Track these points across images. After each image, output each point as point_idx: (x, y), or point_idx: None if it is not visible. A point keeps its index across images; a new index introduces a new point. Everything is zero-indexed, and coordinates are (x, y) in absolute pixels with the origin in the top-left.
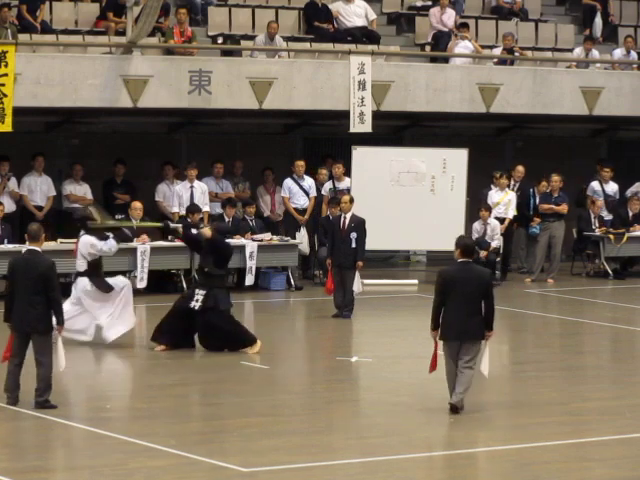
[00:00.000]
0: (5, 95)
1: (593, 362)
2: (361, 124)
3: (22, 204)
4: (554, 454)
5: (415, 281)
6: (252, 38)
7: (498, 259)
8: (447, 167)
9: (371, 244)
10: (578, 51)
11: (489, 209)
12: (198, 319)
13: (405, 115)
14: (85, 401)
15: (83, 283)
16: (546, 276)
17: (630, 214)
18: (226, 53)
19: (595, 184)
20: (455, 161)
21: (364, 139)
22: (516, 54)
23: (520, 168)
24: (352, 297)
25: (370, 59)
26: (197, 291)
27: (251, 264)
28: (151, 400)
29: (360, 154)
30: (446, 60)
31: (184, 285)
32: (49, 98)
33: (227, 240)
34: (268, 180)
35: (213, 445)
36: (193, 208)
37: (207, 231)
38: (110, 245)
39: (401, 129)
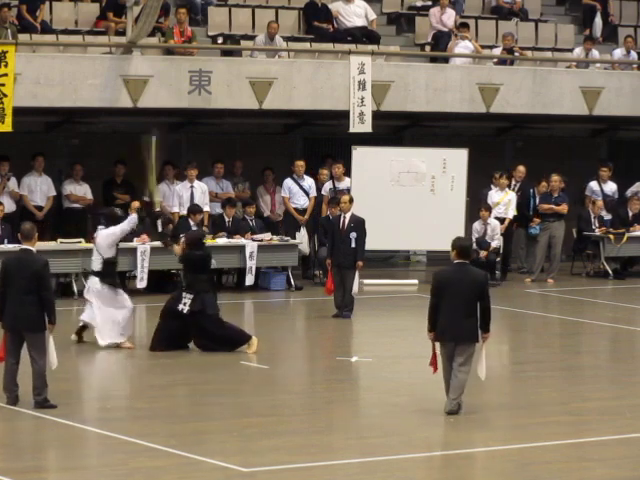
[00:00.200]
0: (5, 95)
1: (593, 362)
2: (361, 124)
3: (22, 204)
4: (554, 454)
5: (415, 281)
6: (252, 38)
7: (498, 259)
8: (447, 167)
9: (371, 244)
10: (578, 51)
11: (489, 209)
12: (188, 321)
13: (405, 115)
14: (85, 401)
15: (94, 282)
16: (546, 276)
17: (630, 214)
18: (226, 53)
19: (593, 184)
20: (455, 161)
21: (364, 139)
22: (516, 54)
23: (521, 168)
24: (352, 297)
25: (370, 59)
26: (184, 294)
27: (251, 264)
28: (151, 400)
29: (360, 154)
30: (446, 60)
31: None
32: (49, 98)
33: (203, 244)
34: (268, 180)
35: (213, 445)
36: (194, 208)
37: (177, 249)
38: (130, 220)
39: (401, 129)
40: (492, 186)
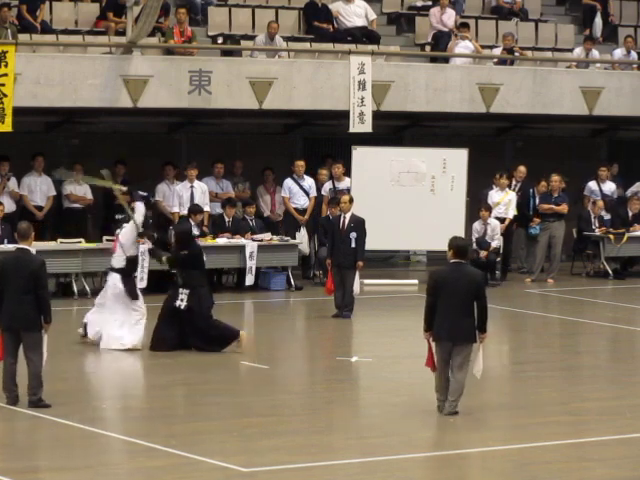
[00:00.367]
0: (5, 95)
1: (593, 362)
2: (361, 124)
3: (22, 204)
4: (554, 454)
5: (415, 281)
6: (252, 38)
7: (498, 259)
8: (447, 167)
9: (371, 244)
10: (578, 51)
11: (489, 209)
12: (185, 317)
13: (405, 115)
14: (84, 401)
15: (114, 280)
16: (546, 276)
17: (630, 214)
18: (226, 53)
19: (592, 184)
20: (455, 161)
21: (364, 139)
22: (516, 54)
23: (522, 168)
24: (352, 297)
25: (370, 59)
26: (181, 290)
27: (251, 264)
28: (151, 400)
29: (360, 154)
30: (446, 60)
31: None
32: (49, 98)
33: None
34: (268, 180)
35: (213, 445)
36: (195, 209)
37: (167, 259)
38: (138, 211)
39: (401, 129)
40: (494, 186)
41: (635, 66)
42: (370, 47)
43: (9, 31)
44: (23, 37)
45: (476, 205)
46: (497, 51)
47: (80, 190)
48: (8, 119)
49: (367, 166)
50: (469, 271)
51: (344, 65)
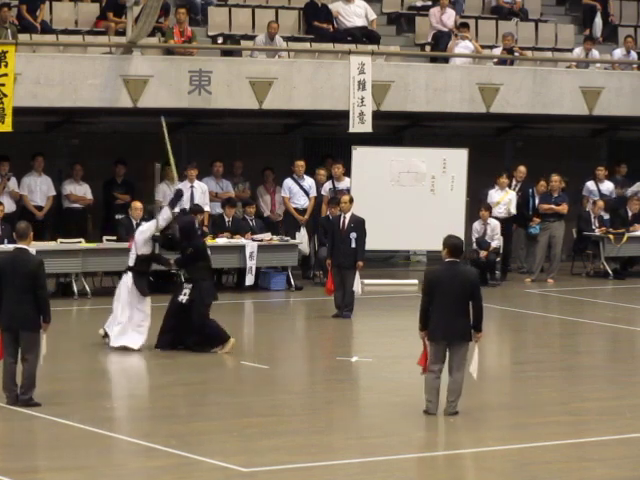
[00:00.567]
0: (5, 95)
1: (593, 362)
2: (361, 124)
3: (22, 204)
4: (554, 454)
5: (415, 281)
6: (252, 38)
7: (498, 259)
8: (447, 167)
9: (371, 244)
10: (578, 51)
11: (489, 209)
12: (186, 312)
13: (405, 115)
14: (85, 401)
15: (127, 278)
16: (546, 276)
17: (630, 214)
18: (226, 53)
19: (590, 184)
20: (455, 161)
21: (364, 139)
22: (516, 54)
23: (522, 168)
24: (352, 297)
25: (370, 59)
26: (185, 285)
27: (251, 264)
28: (151, 400)
29: (360, 154)
30: (446, 60)
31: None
32: (49, 98)
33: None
34: (268, 180)
35: (213, 445)
36: (196, 208)
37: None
38: (163, 215)
39: (401, 129)
40: (496, 186)
41: (635, 66)
42: (370, 47)
43: (9, 31)
44: (23, 37)
45: (476, 205)
46: (497, 51)
47: (80, 190)
48: (8, 119)
49: (367, 166)
50: (464, 270)
51: (344, 65)
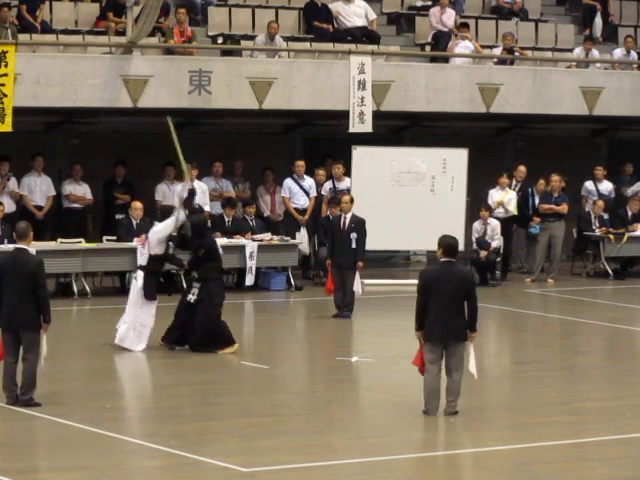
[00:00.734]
0: (5, 95)
1: (593, 362)
2: (361, 124)
3: (22, 204)
4: (554, 454)
5: (415, 281)
6: (252, 38)
7: (498, 259)
8: (447, 167)
9: (371, 244)
10: (578, 51)
11: (489, 209)
12: (194, 311)
13: (405, 115)
14: (85, 401)
15: (139, 276)
16: (546, 276)
17: (629, 213)
18: (226, 53)
19: (589, 184)
20: (455, 161)
21: (364, 139)
22: (516, 54)
23: (522, 168)
24: (352, 297)
25: (370, 59)
26: (194, 284)
27: (251, 264)
28: (151, 400)
29: (360, 154)
30: (446, 60)
31: (184, 285)
32: (49, 98)
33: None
34: (268, 180)
35: (213, 445)
36: (197, 209)
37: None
38: (177, 216)
39: (401, 129)
40: (496, 185)
41: (635, 66)
42: (370, 47)
43: (9, 31)
44: (23, 37)
45: (476, 205)
46: (497, 51)
47: (80, 190)
48: (8, 119)
49: (367, 166)
50: (459, 270)
51: (344, 65)
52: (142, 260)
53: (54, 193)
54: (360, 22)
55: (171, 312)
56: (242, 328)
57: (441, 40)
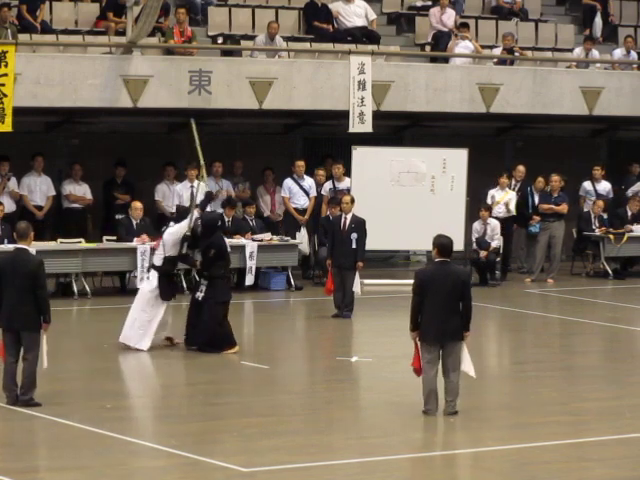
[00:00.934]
0: (5, 95)
1: (593, 362)
2: (361, 124)
3: (22, 204)
4: (553, 454)
5: None
6: (252, 38)
7: (498, 259)
8: (447, 167)
9: (371, 244)
10: (578, 51)
11: (489, 209)
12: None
13: (405, 115)
14: (85, 401)
15: (151, 276)
16: (546, 276)
17: (629, 213)
18: (226, 53)
19: (587, 184)
20: (455, 161)
21: (364, 139)
22: (516, 54)
23: (521, 168)
24: (352, 297)
25: (370, 59)
26: (202, 281)
27: (251, 264)
28: (151, 400)
29: (360, 154)
30: (446, 60)
31: (184, 285)
32: (49, 98)
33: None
34: (268, 180)
35: (213, 445)
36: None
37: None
38: (191, 218)
39: (401, 129)
40: (496, 185)
41: (635, 66)
42: (370, 47)
43: (9, 31)
44: (23, 37)
45: (476, 205)
46: (497, 51)
47: (79, 190)
48: (8, 119)
49: (367, 166)
50: (454, 270)
51: (344, 65)
52: (157, 260)
53: (54, 193)
54: (360, 22)
55: (175, 310)
56: (242, 328)
57: (441, 40)
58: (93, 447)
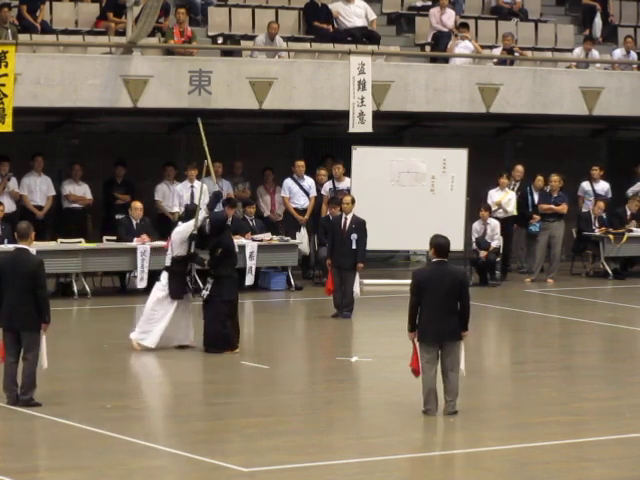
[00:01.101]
0: (5, 95)
1: (593, 362)
2: (361, 124)
3: (22, 204)
4: (553, 454)
5: None
6: (252, 38)
7: (498, 259)
8: (447, 167)
9: (371, 244)
10: (578, 51)
11: (489, 209)
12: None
13: (405, 115)
14: (85, 401)
15: (163, 277)
16: (546, 276)
17: (628, 213)
18: (226, 53)
19: (585, 184)
20: (455, 161)
21: (364, 139)
22: (516, 54)
23: (519, 167)
24: (352, 297)
25: (370, 59)
26: (209, 279)
27: (251, 264)
28: (151, 400)
29: (360, 154)
30: (446, 60)
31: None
32: (49, 98)
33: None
34: (268, 180)
35: (213, 445)
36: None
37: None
38: (199, 217)
39: (401, 129)
40: (496, 186)
41: (635, 66)
42: (370, 47)
43: (9, 31)
44: (23, 37)
45: (476, 205)
46: (497, 51)
47: (79, 190)
48: (8, 119)
49: (367, 166)
50: (452, 270)
51: (344, 65)
52: (166, 260)
53: (54, 193)
54: (360, 22)
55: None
56: (242, 328)
57: (441, 40)
58: (93, 447)
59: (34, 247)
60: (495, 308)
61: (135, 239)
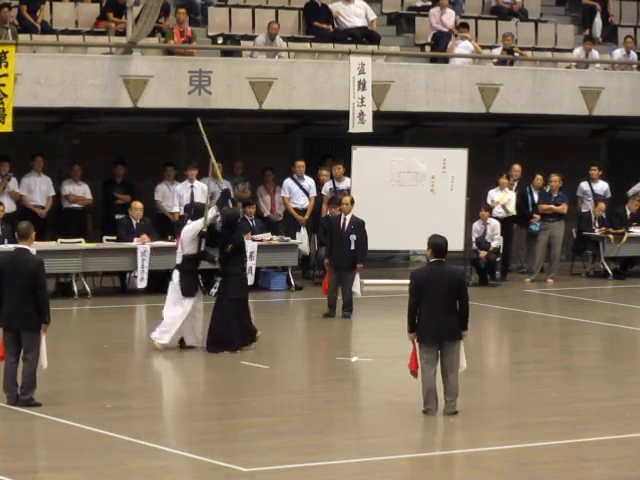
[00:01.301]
0: (5, 95)
1: (593, 362)
2: (361, 124)
3: (22, 204)
4: (553, 454)
5: None
6: (252, 38)
7: (498, 259)
8: (447, 167)
9: (371, 244)
10: (578, 51)
11: (489, 209)
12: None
13: (405, 115)
14: (85, 401)
15: (175, 275)
16: (546, 276)
17: (628, 213)
18: (226, 53)
19: (584, 184)
20: (455, 161)
21: (364, 139)
22: (516, 54)
23: (517, 167)
24: (351, 297)
25: (370, 59)
26: (216, 277)
27: (251, 264)
28: (151, 400)
29: (360, 154)
30: (446, 60)
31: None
32: (49, 98)
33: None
34: (268, 180)
35: (213, 445)
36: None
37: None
38: (209, 215)
39: (401, 129)
40: (496, 186)
41: (635, 66)
42: (370, 47)
43: (9, 31)
44: (23, 37)
45: (476, 205)
46: (497, 51)
47: (79, 190)
48: (8, 119)
49: (367, 166)
50: (450, 270)
51: (344, 65)
52: (177, 259)
53: (54, 193)
54: (360, 22)
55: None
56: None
57: (441, 40)
58: (93, 447)
59: (34, 247)
60: (495, 308)
61: (135, 239)
